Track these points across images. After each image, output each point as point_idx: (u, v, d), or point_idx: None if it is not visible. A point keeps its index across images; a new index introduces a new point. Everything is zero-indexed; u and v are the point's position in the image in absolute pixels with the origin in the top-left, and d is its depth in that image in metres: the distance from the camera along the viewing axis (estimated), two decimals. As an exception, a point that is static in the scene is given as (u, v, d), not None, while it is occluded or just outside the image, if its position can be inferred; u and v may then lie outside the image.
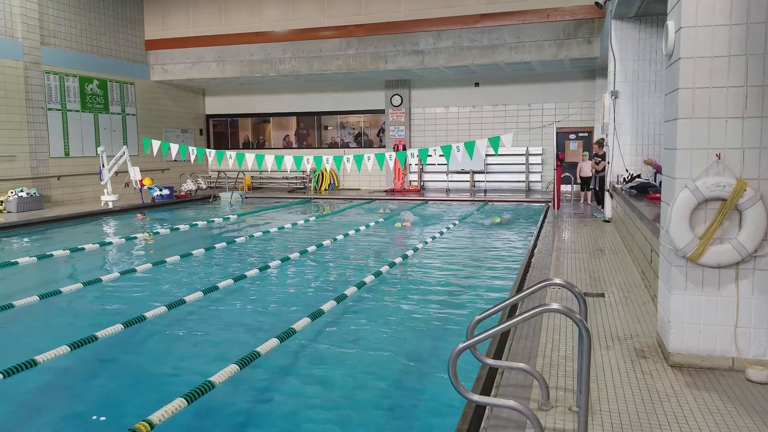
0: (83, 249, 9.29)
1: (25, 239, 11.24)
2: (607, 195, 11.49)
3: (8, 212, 13.45)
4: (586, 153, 14.64)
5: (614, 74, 10.62)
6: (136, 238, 10.83)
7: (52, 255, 8.76)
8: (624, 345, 4.40)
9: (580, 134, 17.52)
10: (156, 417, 3.28)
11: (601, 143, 12.66)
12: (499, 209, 14.48)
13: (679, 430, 3.09)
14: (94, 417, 4.06)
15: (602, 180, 12.58)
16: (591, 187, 13.86)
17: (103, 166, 14.89)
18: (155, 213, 15.18)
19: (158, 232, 11.40)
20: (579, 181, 14.73)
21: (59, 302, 6.53)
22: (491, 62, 15.65)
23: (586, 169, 14.12)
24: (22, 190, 13.88)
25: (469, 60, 15.74)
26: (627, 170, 10.09)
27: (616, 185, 10.33)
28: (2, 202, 13.60)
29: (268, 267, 8.04)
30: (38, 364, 4.28)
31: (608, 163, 11.10)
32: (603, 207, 12.18)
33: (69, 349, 4.58)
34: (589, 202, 14.27)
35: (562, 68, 16.85)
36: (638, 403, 3.41)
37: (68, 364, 4.75)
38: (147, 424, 3.19)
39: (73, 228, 12.23)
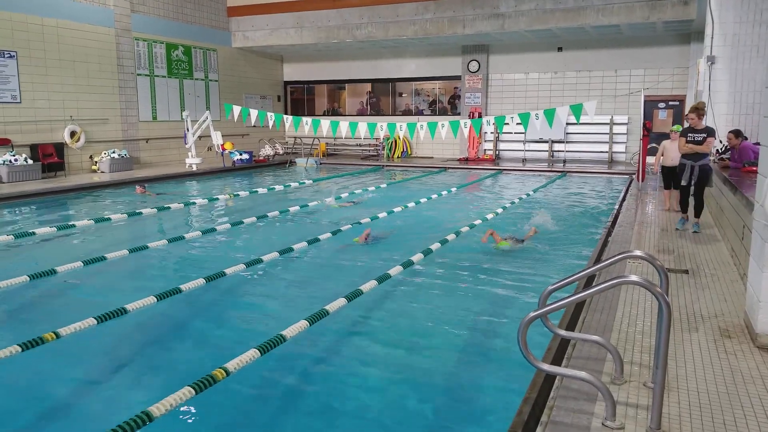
0: (169, 208, 9.81)
1: (118, 197, 11.99)
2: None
3: (102, 172, 14.38)
4: (678, 128, 8.76)
5: (711, 38, 9.86)
6: (217, 199, 11.31)
7: (141, 213, 9.33)
8: (707, 324, 4.17)
9: (670, 103, 16.46)
10: (232, 365, 3.46)
11: (700, 110, 7.42)
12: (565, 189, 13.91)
13: (764, 413, 2.91)
14: (176, 363, 4.33)
15: (704, 174, 7.41)
16: (687, 183, 7.48)
17: (188, 130, 15.53)
18: (235, 177, 15.76)
19: (238, 195, 11.84)
20: (660, 170, 9.02)
21: (147, 256, 6.96)
22: (576, 25, 14.90)
23: (674, 153, 8.25)
24: (114, 152, 14.78)
25: (552, 23, 15.05)
26: (721, 141, 9.42)
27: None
28: (96, 162, 14.55)
29: (339, 230, 8.18)
30: (128, 312, 4.60)
31: (720, 141, 8.78)
32: (696, 217, 7.58)
33: (155, 299, 4.89)
34: (675, 208, 8.56)
35: (653, 32, 15.80)
36: (719, 383, 3.24)
37: (154, 314, 5.07)
38: (223, 371, 3.38)
39: (160, 188, 12.88)
